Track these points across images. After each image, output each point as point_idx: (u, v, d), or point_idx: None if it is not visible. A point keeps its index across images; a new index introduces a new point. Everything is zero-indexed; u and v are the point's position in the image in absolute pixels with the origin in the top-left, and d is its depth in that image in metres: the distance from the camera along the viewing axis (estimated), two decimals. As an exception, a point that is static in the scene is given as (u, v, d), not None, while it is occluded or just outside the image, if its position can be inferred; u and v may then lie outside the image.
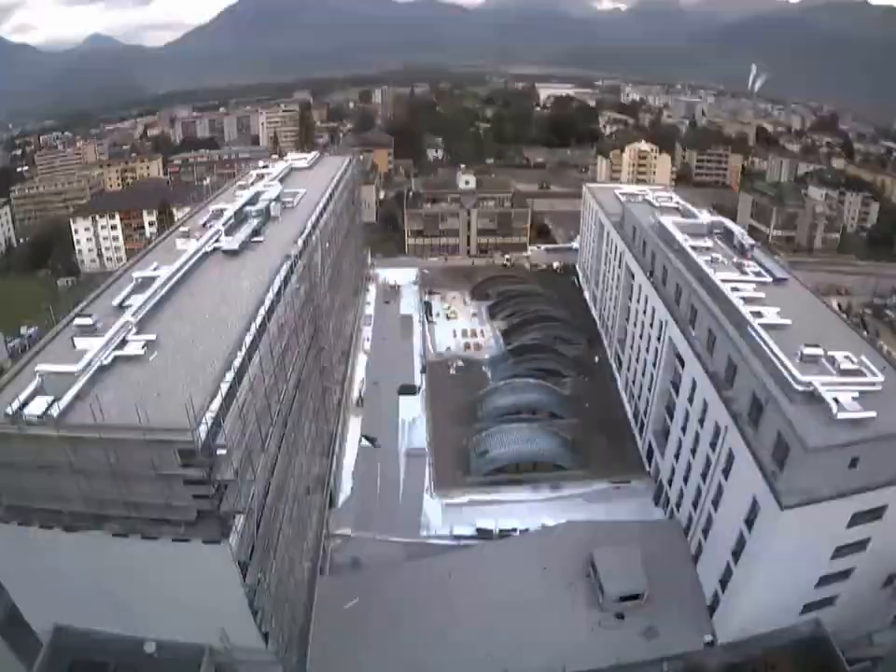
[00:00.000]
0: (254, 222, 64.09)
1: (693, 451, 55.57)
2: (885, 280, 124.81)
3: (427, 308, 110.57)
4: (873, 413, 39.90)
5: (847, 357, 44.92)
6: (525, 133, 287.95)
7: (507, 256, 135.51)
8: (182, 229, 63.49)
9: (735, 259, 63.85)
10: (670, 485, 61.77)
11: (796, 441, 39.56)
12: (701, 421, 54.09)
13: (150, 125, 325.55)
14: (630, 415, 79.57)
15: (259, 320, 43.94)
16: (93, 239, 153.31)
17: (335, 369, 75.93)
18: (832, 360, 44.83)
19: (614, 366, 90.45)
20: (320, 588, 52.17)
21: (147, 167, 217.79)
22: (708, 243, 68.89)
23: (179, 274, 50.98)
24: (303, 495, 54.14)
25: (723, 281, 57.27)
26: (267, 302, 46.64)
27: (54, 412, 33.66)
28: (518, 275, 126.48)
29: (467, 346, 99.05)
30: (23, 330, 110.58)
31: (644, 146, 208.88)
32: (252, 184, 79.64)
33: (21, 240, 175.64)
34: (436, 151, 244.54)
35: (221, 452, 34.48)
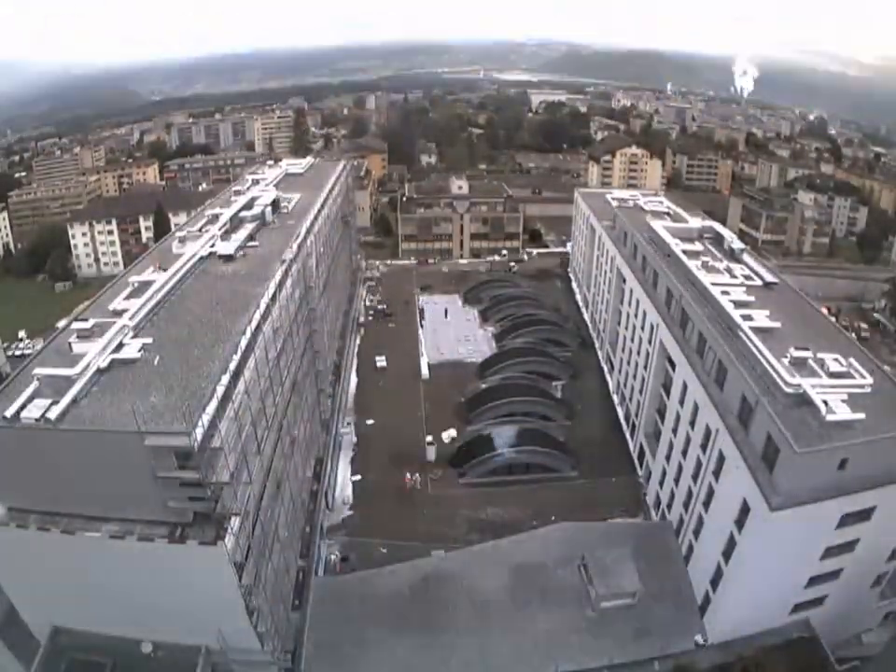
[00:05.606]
0: (249, 227, 64.50)
1: (684, 452, 56.07)
2: (873, 284, 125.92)
3: (420, 312, 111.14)
4: (861, 415, 40.45)
5: (836, 360, 45.43)
6: (517, 139, 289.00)
7: (512, 263, 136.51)
8: (178, 234, 63.92)
9: (724, 263, 64.56)
10: (661, 487, 62.29)
11: (785, 443, 40.04)
12: (692, 423, 54.61)
13: (146, 131, 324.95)
14: (622, 417, 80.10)
15: (254, 324, 44.32)
16: (90, 244, 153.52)
17: (329, 371, 76.30)
18: (821, 363, 45.37)
19: (606, 368, 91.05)
20: (315, 589, 52.35)
21: (144, 173, 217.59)
22: (699, 247, 69.64)
23: (175, 279, 51.36)
24: (298, 496, 54.51)
25: (713, 284, 57.99)
26: (262, 306, 47.10)
27: (52, 415, 34.00)
28: (510, 279, 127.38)
29: (459, 350, 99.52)
30: (21, 335, 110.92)
31: (635, 151, 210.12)
32: (247, 189, 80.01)
33: (19, 245, 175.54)
34: (429, 157, 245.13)
35: (217, 454, 34.88)
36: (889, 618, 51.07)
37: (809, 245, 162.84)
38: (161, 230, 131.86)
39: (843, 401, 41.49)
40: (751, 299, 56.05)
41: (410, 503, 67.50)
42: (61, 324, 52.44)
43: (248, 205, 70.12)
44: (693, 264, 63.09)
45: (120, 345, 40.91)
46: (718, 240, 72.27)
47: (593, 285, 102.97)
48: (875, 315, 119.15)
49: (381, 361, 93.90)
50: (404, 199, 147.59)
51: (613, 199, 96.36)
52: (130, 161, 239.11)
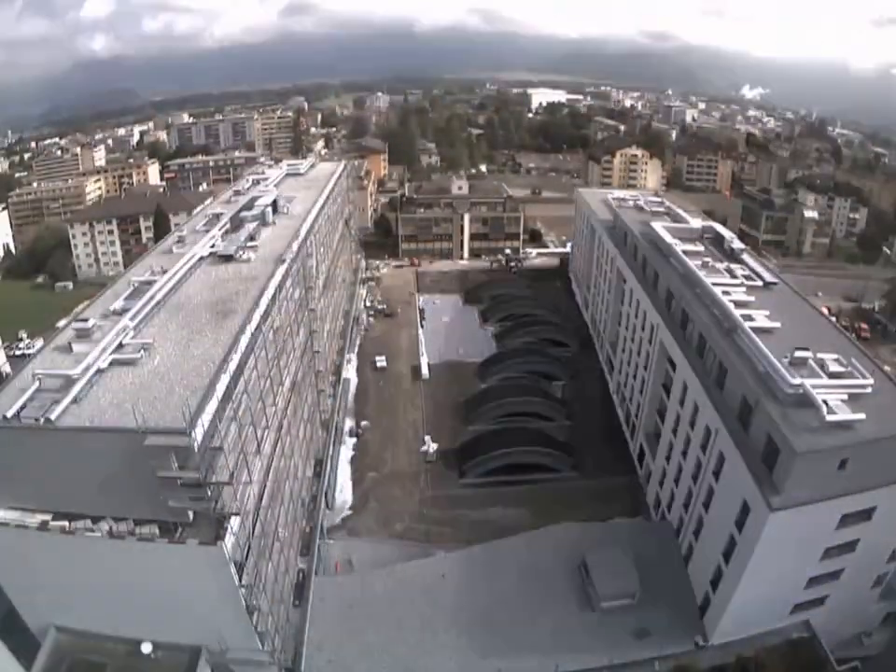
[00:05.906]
0: (250, 227, 64.53)
1: (684, 453, 56.01)
2: (873, 284, 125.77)
3: (421, 312, 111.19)
4: (862, 416, 40.36)
5: (836, 360, 45.38)
6: (517, 139, 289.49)
7: (512, 263, 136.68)
8: (178, 234, 63.98)
9: (725, 264, 64.52)
10: (661, 487, 62.27)
11: (786, 443, 40.01)
12: (692, 423, 54.57)
13: (146, 131, 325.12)
14: (622, 418, 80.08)
15: (254, 324, 44.38)
16: (90, 244, 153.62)
17: (329, 371, 76.28)
18: (821, 363, 45.28)
19: (606, 369, 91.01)
20: (315, 589, 52.35)
21: (144, 173, 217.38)
22: (699, 247, 69.57)
23: (175, 279, 51.40)
24: (298, 496, 54.52)
25: (714, 285, 57.87)
26: (262, 306, 47.12)
27: (52, 414, 34.01)
28: (510, 279, 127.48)
29: (459, 350, 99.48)
30: (21, 335, 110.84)
31: (635, 151, 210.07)
32: (248, 189, 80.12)
33: (19, 245, 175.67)
34: (429, 157, 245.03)
35: (217, 454, 34.88)
36: (889, 618, 51.10)
37: (809, 245, 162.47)
38: (161, 230, 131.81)
39: (843, 401, 41.43)
40: (751, 299, 55.98)
41: (410, 503, 67.56)
42: (61, 324, 52.53)
43: (248, 206, 70.25)
44: (693, 264, 63.04)
45: (120, 345, 40.97)
46: (718, 240, 72.22)
47: (593, 285, 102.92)
48: (875, 315, 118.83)
49: (381, 361, 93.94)
50: (404, 199, 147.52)
51: (613, 199, 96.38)
52: (130, 161, 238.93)
